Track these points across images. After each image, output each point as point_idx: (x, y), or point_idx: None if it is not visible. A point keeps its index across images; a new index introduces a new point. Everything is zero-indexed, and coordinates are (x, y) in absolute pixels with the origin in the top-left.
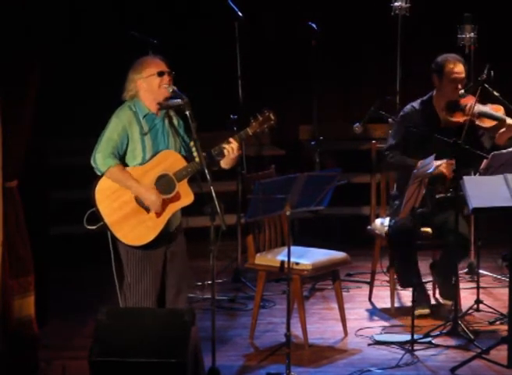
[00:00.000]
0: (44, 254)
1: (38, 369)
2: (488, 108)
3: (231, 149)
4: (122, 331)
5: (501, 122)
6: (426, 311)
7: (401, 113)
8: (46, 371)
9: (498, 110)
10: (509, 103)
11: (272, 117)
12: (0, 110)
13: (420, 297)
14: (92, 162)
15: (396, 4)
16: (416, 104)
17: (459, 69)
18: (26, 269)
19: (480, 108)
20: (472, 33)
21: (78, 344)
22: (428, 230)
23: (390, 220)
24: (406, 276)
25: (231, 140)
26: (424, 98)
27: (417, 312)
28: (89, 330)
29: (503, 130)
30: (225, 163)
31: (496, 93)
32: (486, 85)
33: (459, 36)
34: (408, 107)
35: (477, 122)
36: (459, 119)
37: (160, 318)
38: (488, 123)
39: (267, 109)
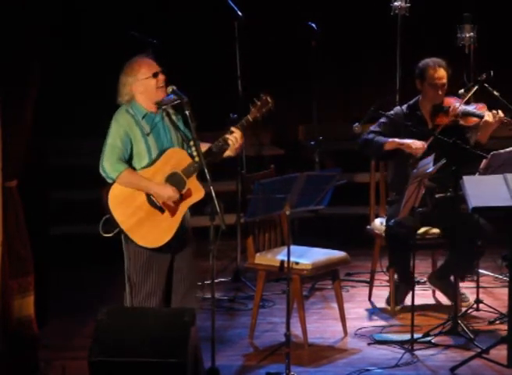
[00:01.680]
0: (44, 254)
1: (38, 369)
2: (470, 107)
3: (235, 139)
4: (121, 331)
5: (481, 118)
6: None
7: (391, 113)
8: (46, 371)
9: (481, 109)
10: (509, 103)
11: (270, 100)
12: (0, 110)
13: (400, 296)
14: (101, 171)
15: (396, 4)
16: (404, 107)
17: (439, 74)
18: (26, 269)
19: (463, 107)
20: (472, 33)
21: (78, 344)
22: (433, 230)
23: (387, 220)
24: (404, 273)
25: (233, 129)
26: (411, 102)
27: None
28: (89, 330)
29: (481, 125)
30: (229, 152)
31: (495, 93)
32: (486, 85)
33: (458, 35)
34: (398, 108)
35: (461, 121)
36: (443, 120)
37: (160, 318)
38: (470, 122)
39: (263, 93)
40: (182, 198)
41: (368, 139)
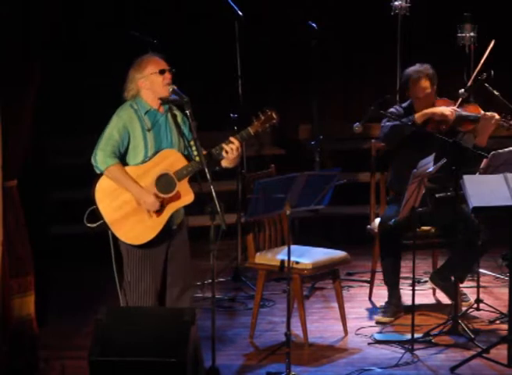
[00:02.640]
0: (44, 254)
1: (38, 368)
2: (463, 111)
3: (230, 149)
4: (121, 331)
5: (478, 121)
6: (385, 320)
7: (392, 111)
8: (45, 370)
9: (475, 110)
10: (509, 103)
11: (275, 116)
12: (0, 110)
13: (390, 302)
14: (92, 159)
15: (396, 3)
16: (399, 108)
17: (421, 86)
18: (26, 268)
19: (457, 112)
20: (472, 33)
21: (78, 343)
22: (431, 229)
23: (382, 217)
24: (389, 276)
25: (232, 139)
26: (405, 104)
27: (377, 318)
28: (88, 329)
29: (479, 128)
30: (226, 162)
31: (496, 92)
32: (486, 84)
33: (459, 35)
34: (398, 108)
35: (457, 127)
36: (435, 126)
37: (160, 317)
38: (469, 126)
39: (269, 108)
40: (169, 200)
41: (392, 125)
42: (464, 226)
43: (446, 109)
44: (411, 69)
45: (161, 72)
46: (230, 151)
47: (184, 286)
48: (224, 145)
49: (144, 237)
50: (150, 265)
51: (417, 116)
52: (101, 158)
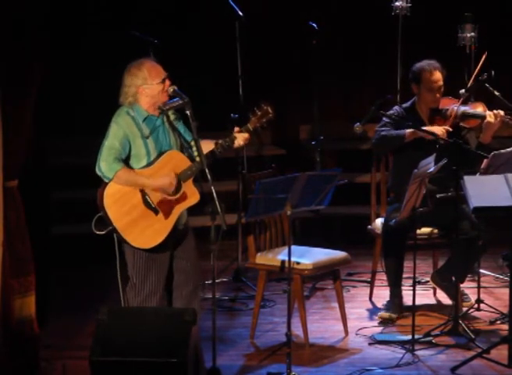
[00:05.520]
0: (45, 254)
1: (39, 368)
2: (468, 108)
3: (243, 138)
4: (122, 331)
5: (483, 119)
6: (389, 315)
7: (393, 112)
8: (46, 370)
9: (478, 107)
10: (509, 103)
11: (270, 111)
12: (0, 110)
13: (392, 301)
14: (97, 171)
15: (397, 4)
16: (401, 108)
17: (436, 77)
18: (27, 268)
19: (461, 109)
20: (473, 33)
21: (78, 343)
22: (432, 229)
23: (385, 219)
24: (392, 275)
25: (237, 131)
26: (407, 104)
27: (381, 314)
28: (89, 329)
29: (484, 126)
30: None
31: (496, 92)
32: (487, 85)
33: (459, 35)
34: (396, 108)
35: (461, 123)
36: (442, 124)
37: (161, 317)
38: (472, 123)
39: (264, 103)
40: (176, 201)
41: (384, 135)
42: (464, 226)
43: (438, 129)
44: (423, 62)
45: (163, 81)
46: (243, 140)
47: (194, 286)
48: (235, 135)
49: (153, 240)
50: (155, 266)
51: (409, 132)
52: (106, 167)
